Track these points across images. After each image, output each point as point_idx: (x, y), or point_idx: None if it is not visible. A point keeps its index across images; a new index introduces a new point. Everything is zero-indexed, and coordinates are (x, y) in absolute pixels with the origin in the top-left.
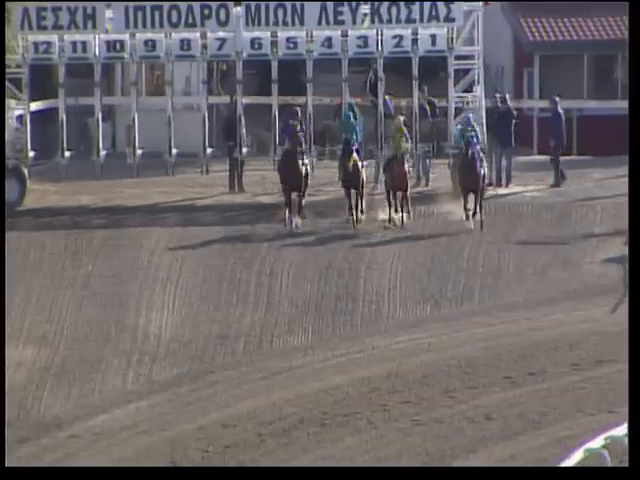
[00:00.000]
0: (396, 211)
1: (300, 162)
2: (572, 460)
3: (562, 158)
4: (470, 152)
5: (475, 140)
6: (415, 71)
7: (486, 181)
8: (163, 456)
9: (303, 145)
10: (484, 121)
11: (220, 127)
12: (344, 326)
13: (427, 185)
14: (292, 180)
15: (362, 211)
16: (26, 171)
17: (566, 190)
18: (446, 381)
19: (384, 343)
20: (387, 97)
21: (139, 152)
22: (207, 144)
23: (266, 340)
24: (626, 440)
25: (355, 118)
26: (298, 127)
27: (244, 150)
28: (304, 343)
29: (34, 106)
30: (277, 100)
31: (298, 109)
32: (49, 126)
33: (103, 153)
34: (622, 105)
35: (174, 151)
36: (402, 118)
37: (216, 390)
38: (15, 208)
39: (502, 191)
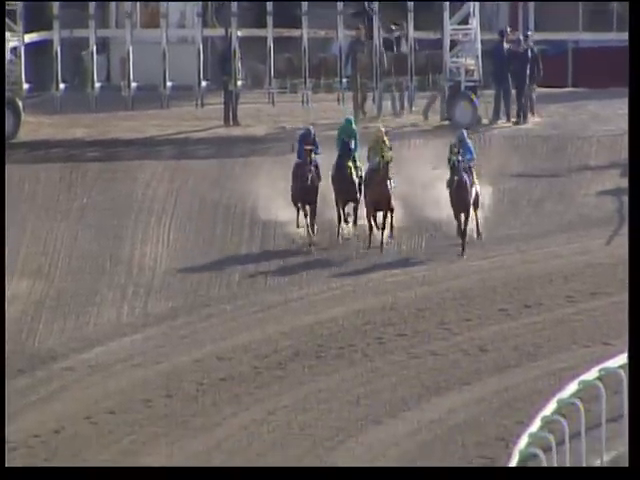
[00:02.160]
0: (377, 229)
1: (310, 176)
2: (567, 392)
3: (555, 90)
4: (456, 180)
5: (462, 163)
6: (410, 4)
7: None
8: (158, 388)
9: (313, 161)
10: (479, 54)
11: (215, 60)
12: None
13: (426, 119)
14: (305, 197)
15: (355, 222)
16: (20, 103)
17: (562, 122)
18: (441, 314)
19: (379, 276)
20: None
21: (134, 85)
22: (202, 77)
23: (261, 273)
24: (621, 372)
25: (355, 126)
26: (311, 153)
27: (239, 83)
28: (299, 276)
29: (28, 38)
30: (272, 33)
31: (311, 128)
32: (43, 58)
33: (98, 86)
34: (617, 37)
35: (169, 84)
36: (383, 129)
37: (211, 323)
38: (10, 140)
39: (498, 124)
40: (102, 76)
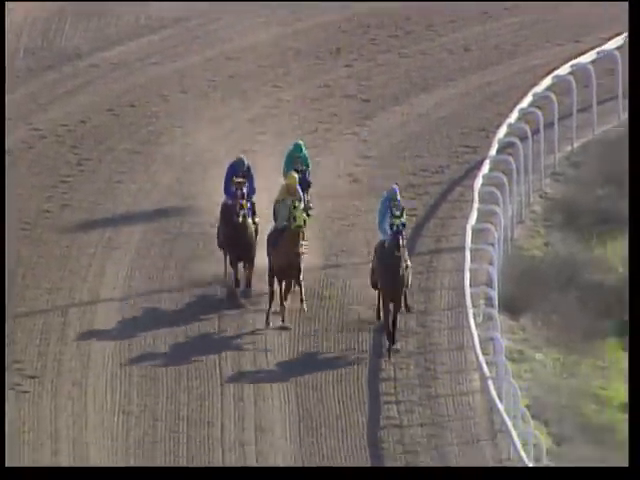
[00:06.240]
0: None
1: (241, 220)
2: (541, 86)
3: None
4: (396, 255)
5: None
6: None
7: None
8: (173, 84)
9: (247, 203)
10: None
11: None
12: None
13: None
14: (236, 249)
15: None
16: None
17: None
18: (429, 16)
19: None
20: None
21: None
22: None
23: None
24: (590, 67)
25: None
26: (243, 187)
27: None
28: None
29: None
30: None
31: (244, 158)
32: None
33: None
34: None
35: None
36: (296, 175)
37: (221, 25)
38: None
39: None
40: None
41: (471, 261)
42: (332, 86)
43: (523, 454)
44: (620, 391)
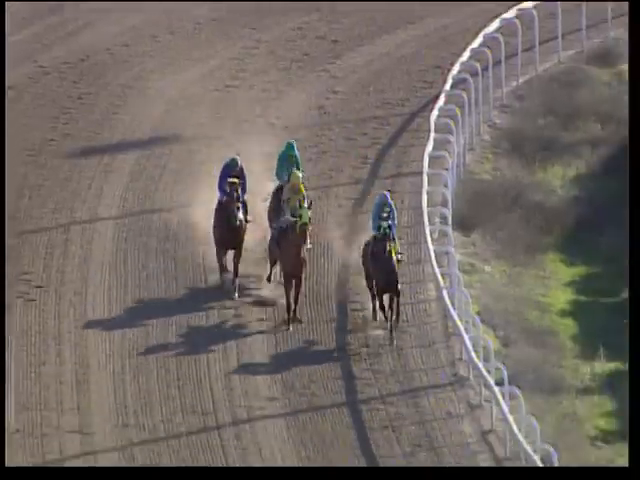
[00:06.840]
0: (288, 310)
1: (238, 216)
2: (490, 28)
3: None
4: (387, 251)
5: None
6: None
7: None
8: (162, 27)
9: (240, 199)
10: None
11: None
12: None
13: None
14: (228, 240)
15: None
16: None
17: None
18: None
19: None
20: None
21: None
22: None
23: None
24: (534, 12)
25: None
26: (238, 188)
27: None
28: None
29: None
30: None
31: (238, 158)
32: None
33: None
34: None
35: None
36: (300, 174)
37: None
38: None
39: None
40: None
41: (428, 184)
42: (305, 28)
43: (473, 355)
44: (559, 298)
